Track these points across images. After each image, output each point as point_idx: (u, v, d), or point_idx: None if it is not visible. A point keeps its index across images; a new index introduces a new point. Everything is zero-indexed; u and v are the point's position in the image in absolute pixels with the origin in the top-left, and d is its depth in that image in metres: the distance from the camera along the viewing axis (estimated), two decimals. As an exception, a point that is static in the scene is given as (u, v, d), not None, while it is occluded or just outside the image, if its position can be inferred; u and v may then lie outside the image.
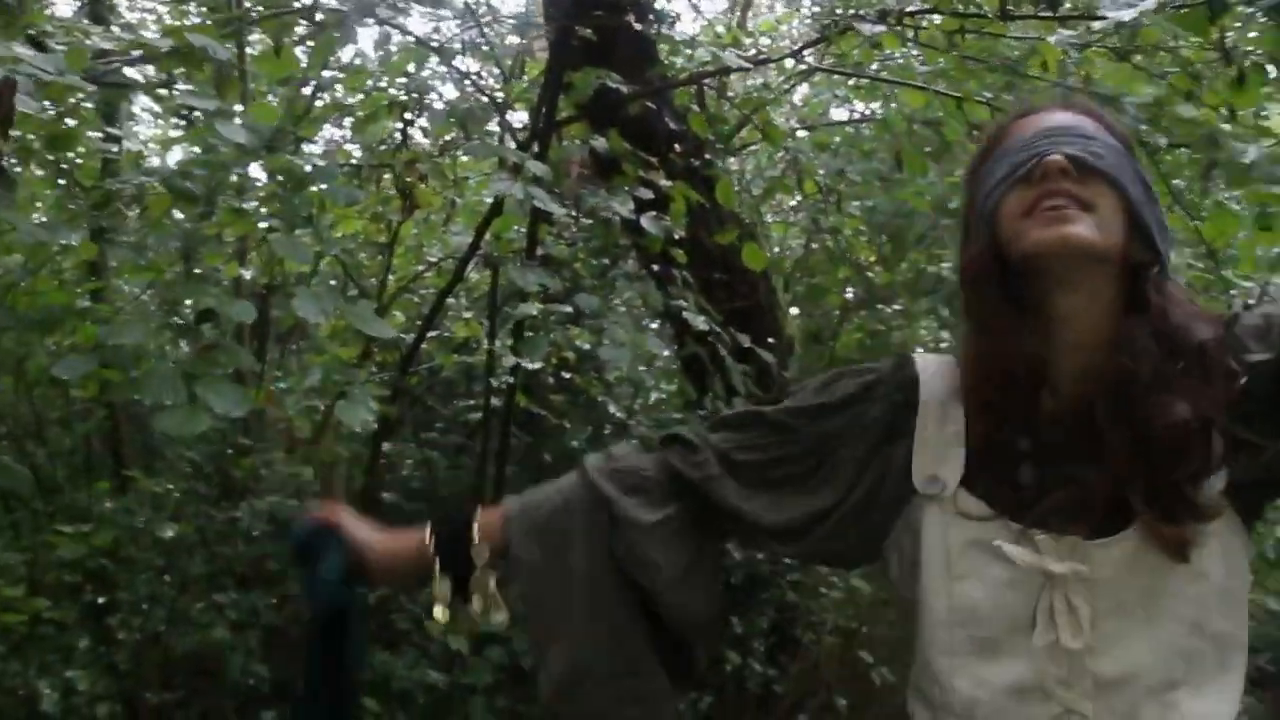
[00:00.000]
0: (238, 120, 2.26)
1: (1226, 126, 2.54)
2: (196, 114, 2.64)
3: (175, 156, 3.85)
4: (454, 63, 3.11)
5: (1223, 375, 1.08)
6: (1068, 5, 2.57)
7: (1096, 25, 2.34)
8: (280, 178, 2.46)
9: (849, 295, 4.77)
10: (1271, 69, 2.73)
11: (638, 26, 3.10)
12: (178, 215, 2.67)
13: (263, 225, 2.80)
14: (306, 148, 3.21)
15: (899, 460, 1.17)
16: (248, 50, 3.73)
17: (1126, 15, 1.93)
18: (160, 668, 3.12)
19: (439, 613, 1.22)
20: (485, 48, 3.48)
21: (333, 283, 4.08)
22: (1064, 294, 1.10)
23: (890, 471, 1.17)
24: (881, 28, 2.66)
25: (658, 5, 3.61)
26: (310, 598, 1.24)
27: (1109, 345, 1.10)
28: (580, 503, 1.25)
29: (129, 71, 2.25)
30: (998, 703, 1.08)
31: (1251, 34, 2.93)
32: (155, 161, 3.51)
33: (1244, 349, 1.09)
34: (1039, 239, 1.08)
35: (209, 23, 2.78)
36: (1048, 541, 1.07)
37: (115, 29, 3.36)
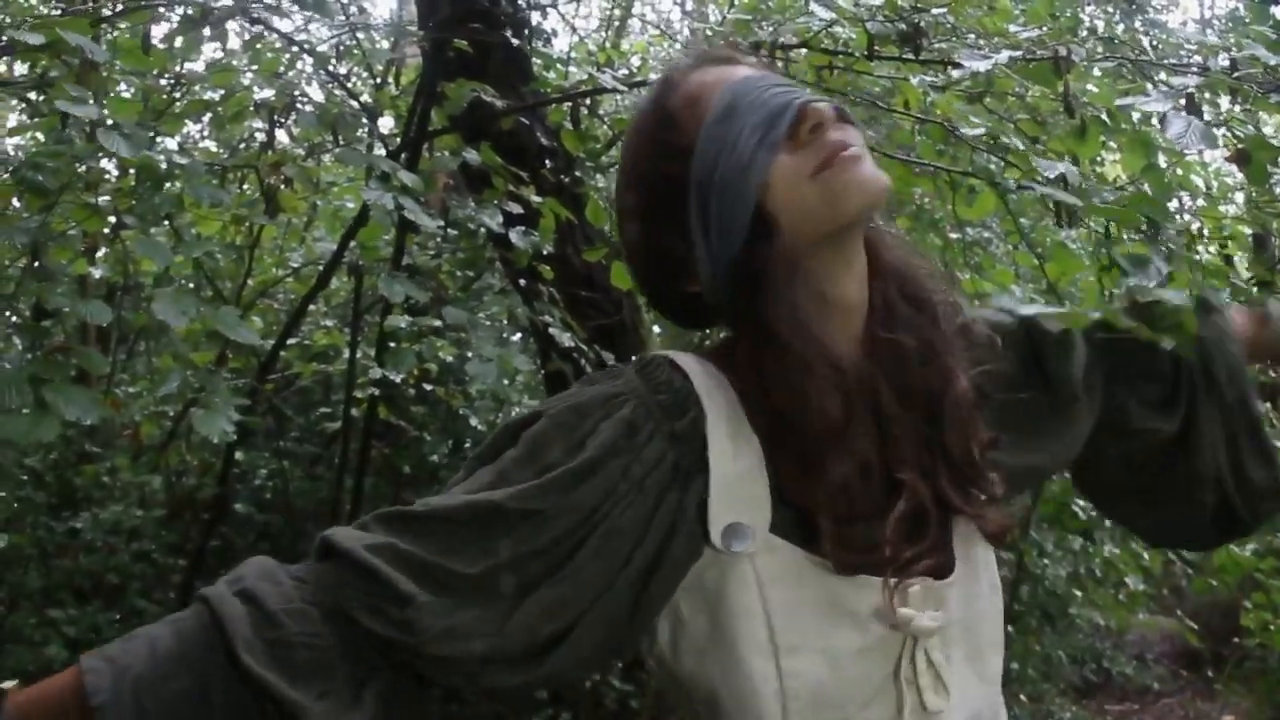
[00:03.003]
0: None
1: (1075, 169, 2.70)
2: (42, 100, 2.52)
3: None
4: (327, 67, 3.04)
5: (970, 334, 1.00)
6: (929, 51, 2.70)
7: (955, 72, 2.47)
8: (135, 173, 2.37)
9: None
10: (1108, 121, 2.91)
11: (515, 41, 3.10)
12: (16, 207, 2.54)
13: (111, 219, 2.69)
14: (162, 143, 3.11)
15: (690, 507, 0.88)
16: (104, 40, 3.58)
17: (982, 66, 2.04)
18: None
19: None
20: (357, 52, 3.43)
21: (184, 284, 3.94)
22: (847, 274, 0.93)
23: (682, 522, 0.88)
24: (753, 59, 2.73)
25: (534, 21, 3.63)
26: None
27: (867, 324, 0.95)
28: (230, 705, 0.80)
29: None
30: None
31: (1090, 87, 3.12)
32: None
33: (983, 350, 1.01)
34: (851, 187, 0.88)
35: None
36: (919, 593, 0.90)
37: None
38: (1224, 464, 1.15)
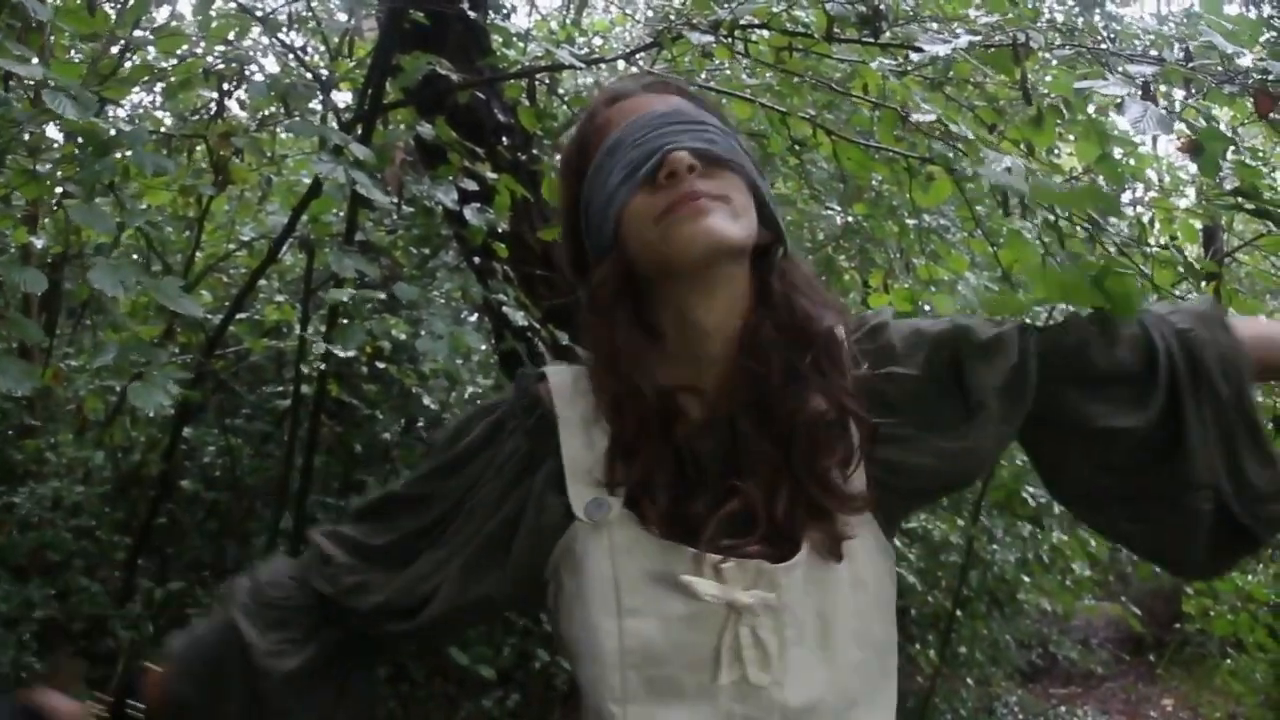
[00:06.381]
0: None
1: (1022, 161, 2.71)
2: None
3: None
4: (279, 35, 2.97)
5: (849, 361, 1.06)
6: (888, 34, 2.69)
7: (915, 56, 2.46)
8: (80, 140, 2.31)
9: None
10: (1064, 110, 2.93)
11: (472, 15, 3.06)
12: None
13: (59, 190, 2.62)
14: (111, 111, 3.03)
15: (542, 487, 1.05)
16: (50, 1, 3.49)
17: (941, 51, 2.04)
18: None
19: None
20: (313, 23, 3.37)
21: (135, 257, 3.87)
22: (705, 302, 1.03)
23: (532, 499, 1.06)
24: (711, 38, 2.71)
25: (493, -4, 3.57)
26: None
27: (738, 347, 1.05)
28: (227, 648, 1.12)
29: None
30: None
31: (1048, 77, 3.14)
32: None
33: (892, 356, 1.09)
34: (685, 237, 0.99)
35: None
36: (734, 570, 0.99)
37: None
38: (1220, 466, 1.07)
